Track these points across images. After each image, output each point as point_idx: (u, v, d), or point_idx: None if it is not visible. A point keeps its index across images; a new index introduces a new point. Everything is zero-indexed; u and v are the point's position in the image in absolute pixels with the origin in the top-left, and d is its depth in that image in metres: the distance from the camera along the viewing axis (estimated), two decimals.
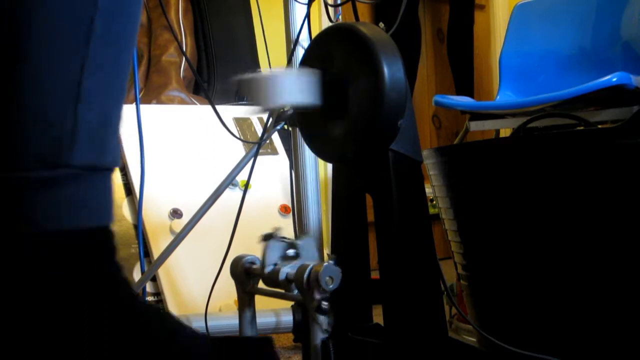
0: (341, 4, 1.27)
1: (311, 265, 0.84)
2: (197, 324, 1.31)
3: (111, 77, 0.60)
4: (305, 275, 0.83)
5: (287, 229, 1.26)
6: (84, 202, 0.59)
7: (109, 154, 0.61)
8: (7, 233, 0.56)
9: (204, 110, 2.00)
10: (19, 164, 0.56)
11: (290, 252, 0.91)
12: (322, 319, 0.83)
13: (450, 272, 1.32)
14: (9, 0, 0.54)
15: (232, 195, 1.76)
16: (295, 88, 0.92)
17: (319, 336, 0.85)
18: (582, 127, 1.35)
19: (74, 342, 0.58)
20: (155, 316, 0.66)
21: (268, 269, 0.91)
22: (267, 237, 0.93)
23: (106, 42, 0.59)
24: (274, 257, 0.92)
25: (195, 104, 2.12)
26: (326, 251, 1.60)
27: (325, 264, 0.83)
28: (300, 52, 1.28)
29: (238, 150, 1.93)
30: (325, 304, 0.82)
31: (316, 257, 0.93)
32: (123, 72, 0.62)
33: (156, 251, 1.66)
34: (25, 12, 0.55)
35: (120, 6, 0.60)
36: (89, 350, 0.58)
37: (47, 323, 0.57)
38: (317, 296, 0.82)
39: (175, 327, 0.67)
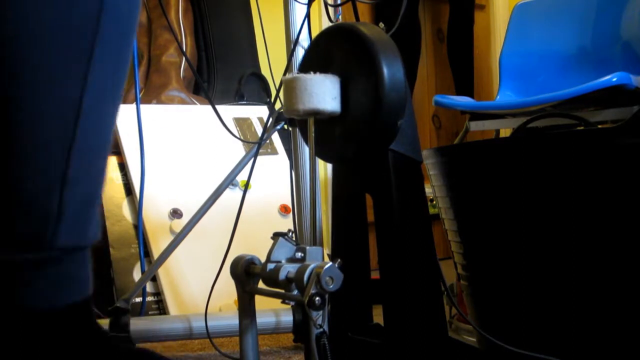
0: (341, 4, 1.27)
1: (313, 265, 0.84)
2: (197, 324, 1.32)
3: (96, 157, 0.60)
4: (306, 275, 0.83)
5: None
6: (65, 281, 0.60)
7: (91, 231, 0.61)
8: None
9: (204, 110, 2.01)
10: (3, 246, 0.56)
11: (298, 255, 0.91)
12: (315, 314, 0.83)
13: (450, 272, 1.32)
14: None
15: (232, 195, 1.76)
16: (329, 93, 0.93)
17: (313, 331, 0.85)
18: (582, 127, 1.35)
19: None
20: None
21: (270, 267, 0.91)
22: (278, 235, 0.93)
23: (93, 124, 0.58)
24: (279, 255, 0.92)
25: (195, 104, 2.12)
26: (326, 251, 1.60)
27: (329, 264, 0.83)
28: (300, 52, 1.28)
29: (238, 150, 1.93)
30: (318, 299, 0.82)
31: None
32: (108, 145, 0.63)
33: (156, 251, 1.66)
34: (8, 97, 0.54)
35: (105, 95, 0.60)
36: None
37: None
38: (312, 291, 0.82)
39: None
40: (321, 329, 0.84)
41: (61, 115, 0.56)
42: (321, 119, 0.96)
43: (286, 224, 1.83)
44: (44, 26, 0.54)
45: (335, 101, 0.94)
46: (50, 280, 0.59)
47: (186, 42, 2.19)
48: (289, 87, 0.94)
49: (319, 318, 0.84)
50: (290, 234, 0.94)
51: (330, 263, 0.83)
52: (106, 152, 0.63)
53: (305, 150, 1.31)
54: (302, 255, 0.91)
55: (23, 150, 0.55)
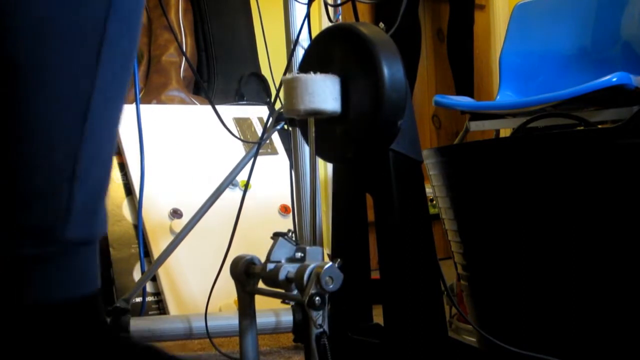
0: (341, 4, 1.27)
1: (313, 265, 0.84)
2: (197, 324, 1.32)
3: (103, 153, 0.62)
4: (306, 275, 0.83)
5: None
6: (74, 275, 0.61)
7: (99, 225, 0.63)
8: (1, 306, 0.59)
9: (204, 110, 2.00)
10: (13, 240, 0.57)
11: (297, 255, 0.91)
12: (315, 314, 0.83)
13: (450, 272, 1.32)
14: (1, 81, 0.55)
15: (232, 195, 1.76)
16: (330, 93, 0.93)
17: (313, 331, 0.85)
18: (582, 127, 1.35)
19: None
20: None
21: (270, 267, 0.91)
22: (278, 235, 0.93)
23: (101, 121, 0.60)
24: (279, 255, 0.92)
25: (195, 104, 2.12)
26: (326, 251, 1.60)
27: (329, 264, 0.83)
28: (300, 52, 1.28)
29: (238, 150, 1.93)
30: (318, 299, 0.82)
31: None
32: (114, 140, 0.64)
33: (156, 251, 1.66)
34: (18, 92, 0.55)
35: (114, 94, 0.61)
36: None
37: None
38: (312, 291, 0.82)
39: None
40: (321, 329, 0.84)
41: (70, 112, 0.57)
42: (321, 119, 0.96)
43: (286, 224, 1.83)
44: (54, 27, 0.55)
45: (336, 101, 0.94)
46: (59, 273, 0.60)
47: (186, 42, 2.19)
48: (290, 87, 0.94)
49: (319, 318, 0.84)
50: (290, 234, 0.94)
51: (330, 263, 0.83)
52: (112, 149, 0.64)
53: (305, 150, 1.31)
54: (302, 255, 0.91)
55: (33, 146, 0.56)
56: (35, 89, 0.55)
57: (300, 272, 0.85)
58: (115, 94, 0.62)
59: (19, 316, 0.59)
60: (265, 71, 2.32)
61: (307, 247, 0.91)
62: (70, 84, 0.57)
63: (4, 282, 0.58)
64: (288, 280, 0.89)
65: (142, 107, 1.78)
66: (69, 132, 0.58)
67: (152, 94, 2.09)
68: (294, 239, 0.94)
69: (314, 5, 1.32)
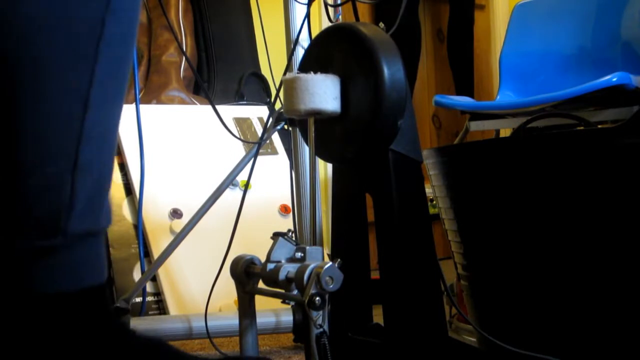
0: (341, 4, 1.27)
1: (313, 265, 0.84)
2: (197, 324, 1.32)
3: (105, 146, 0.63)
4: (306, 275, 0.83)
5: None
6: (80, 266, 0.62)
7: (103, 217, 0.64)
8: (9, 297, 0.59)
9: (204, 110, 2.00)
10: (19, 233, 0.58)
11: (297, 255, 0.91)
12: (315, 314, 0.83)
13: (450, 272, 1.32)
14: (3, 78, 0.56)
15: (232, 195, 1.76)
16: (330, 93, 0.93)
17: (313, 331, 0.85)
18: (582, 127, 1.35)
19: None
20: (155, 352, 0.68)
21: (269, 267, 0.91)
22: (278, 235, 0.93)
23: (100, 116, 0.61)
24: (279, 255, 0.92)
25: (195, 104, 2.12)
26: (326, 251, 1.60)
27: (329, 264, 0.83)
28: (300, 52, 1.28)
29: (238, 150, 1.93)
30: (318, 299, 0.82)
31: None
32: (115, 133, 0.65)
33: (156, 251, 1.66)
34: (20, 86, 0.56)
35: (112, 94, 0.62)
36: None
37: None
38: (312, 291, 0.82)
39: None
40: (321, 329, 0.84)
41: (70, 107, 0.58)
42: (321, 119, 0.96)
43: (286, 224, 1.83)
44: (53, 26, 0.56)
45: (336, 101, 0.94)
46: (64, 265, 0.61)
47: (186, 42, 2.19)
48: (290, 87, 0.94)
49: (319, 318, 0.84)
50: (290, 234, 0.94)
51: (330, 263, 0.83)
52: (114, 142, 0.65)
53: (305, 150, 1.31)
54: (302, 255, 0.91)
55: (34, 140, 0.57)
56: (33, 83, 0.56)
57: (300, 272, 0.85)
58: (114, 89, 0.62)
59: (26, 307, 0.60)
60: (265, 71, 2.32)
61: (307, 247, 0.91)
62: (69, 78, 0.58)
63: (10, 273, 0.59)
64: (288, 280, 0.89)
65: (142, 107, 1.78)
66: (69, 125, 0.58)
67: (152, 94, 2.09)
68: (294, 239, 0.94)
69: (314, 5, 1.32)
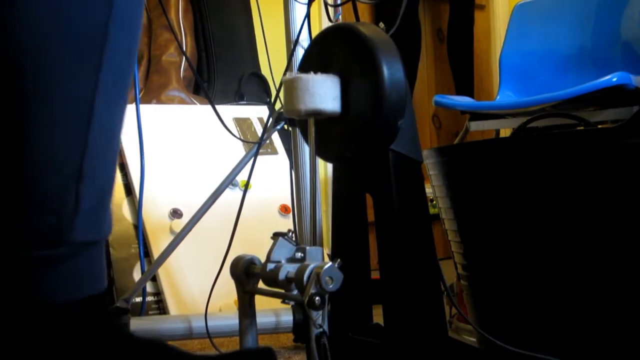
0: (341, 4, 1.27)
1: (313, 265, 0.84)
2: (197, 324, 1.31)
3: (108, 154, 0.63)
4: (306, 275, 0.83)
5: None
6: (82, 275, 0.62)
7: (105, 226, 0.63)
8: (11, 306, 0.59)
9: (204, 110, 2.01)
10: (22, 242, 0.58)
11: (298, 255, 0.91)
12: (315, 314, 0.83)
13: (450, 272, 1.32)
14: (7, 87, 0.55)
15: (232, 195, 1.76)
16: (330, 94, 0.93)
17: (313, 331, 0.85)
18: (582, 127, 1.35)
19: None
20: (156, 353, 0.68)
21: (269, 267, 0.91)
22: (278, 235, 0.93)
23: (105, 123, 0.61)
24: (279, 255, 0.92)
25: (195, 104, 2.12)
26: (326, 251, 1.60)
27: (329, 264, 0.83)
28: (300, 52, 1.28)
29: (238, 150, 1.93)
30: (318, 299, 0.82)
31: None
32: (118, 143, 0.65)
33: (156, 251, 1.66)
34: (24, 95, 0.56)
35: (116, 97, 0.62)
36: None
37: None
38: (312, 291, 0.82)
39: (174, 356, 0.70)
40: (321, 329, 0.84)
41: (75, 115, 0.58)
42: (321, 119, 0.96)
43: (286, 224, 1.83)
44: (56, 32, 0.56)
45: (336, 101, 0.94)
46: (67, 274, 0.61)
47: (186, 42, 2.19)
48: (290, 87, 0.94)
49: (319, 318, 0.84)
50: (290, 234, 0.94)
51: (330, 263, 0.83)
52: (116, 150, 0.65)
53: (305, 150, 1.31)
54: (302, 255, 0.91)
55: (39, 149, 0.57)
56: (38, 93, 0.56)
57: (300, 272, 0.85)
58: (117, 96, 0.62)
59: (28, 316, 0.60)
60: (265, 71, 2.32)
61: (307, 247, 0.91)
62: (73, 87, 0.58)
63: (12, 282, 0.59)
64: (288, 280, 0.89)
65: (142, 107, 1.78)
66: (73, 134, 0.58)
67: (152, 94, 2.09)
68: (294, 239, 0.94)
69: (314, 5, 1.32)
